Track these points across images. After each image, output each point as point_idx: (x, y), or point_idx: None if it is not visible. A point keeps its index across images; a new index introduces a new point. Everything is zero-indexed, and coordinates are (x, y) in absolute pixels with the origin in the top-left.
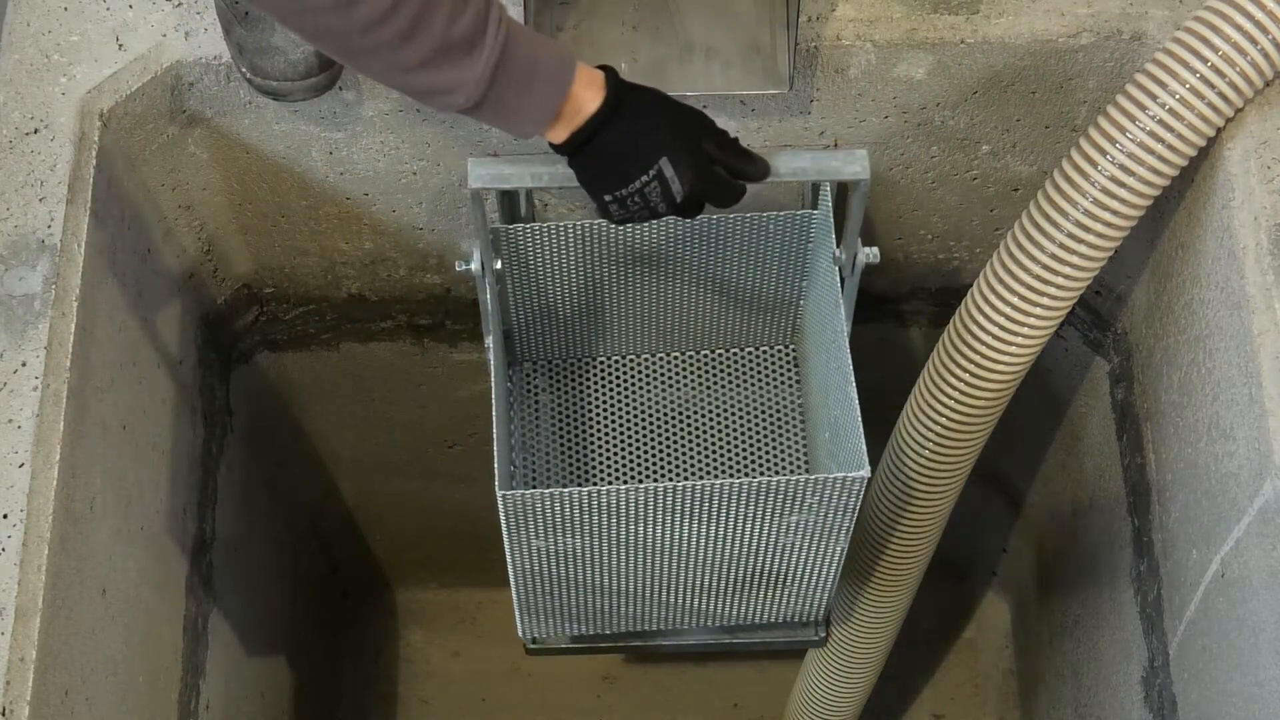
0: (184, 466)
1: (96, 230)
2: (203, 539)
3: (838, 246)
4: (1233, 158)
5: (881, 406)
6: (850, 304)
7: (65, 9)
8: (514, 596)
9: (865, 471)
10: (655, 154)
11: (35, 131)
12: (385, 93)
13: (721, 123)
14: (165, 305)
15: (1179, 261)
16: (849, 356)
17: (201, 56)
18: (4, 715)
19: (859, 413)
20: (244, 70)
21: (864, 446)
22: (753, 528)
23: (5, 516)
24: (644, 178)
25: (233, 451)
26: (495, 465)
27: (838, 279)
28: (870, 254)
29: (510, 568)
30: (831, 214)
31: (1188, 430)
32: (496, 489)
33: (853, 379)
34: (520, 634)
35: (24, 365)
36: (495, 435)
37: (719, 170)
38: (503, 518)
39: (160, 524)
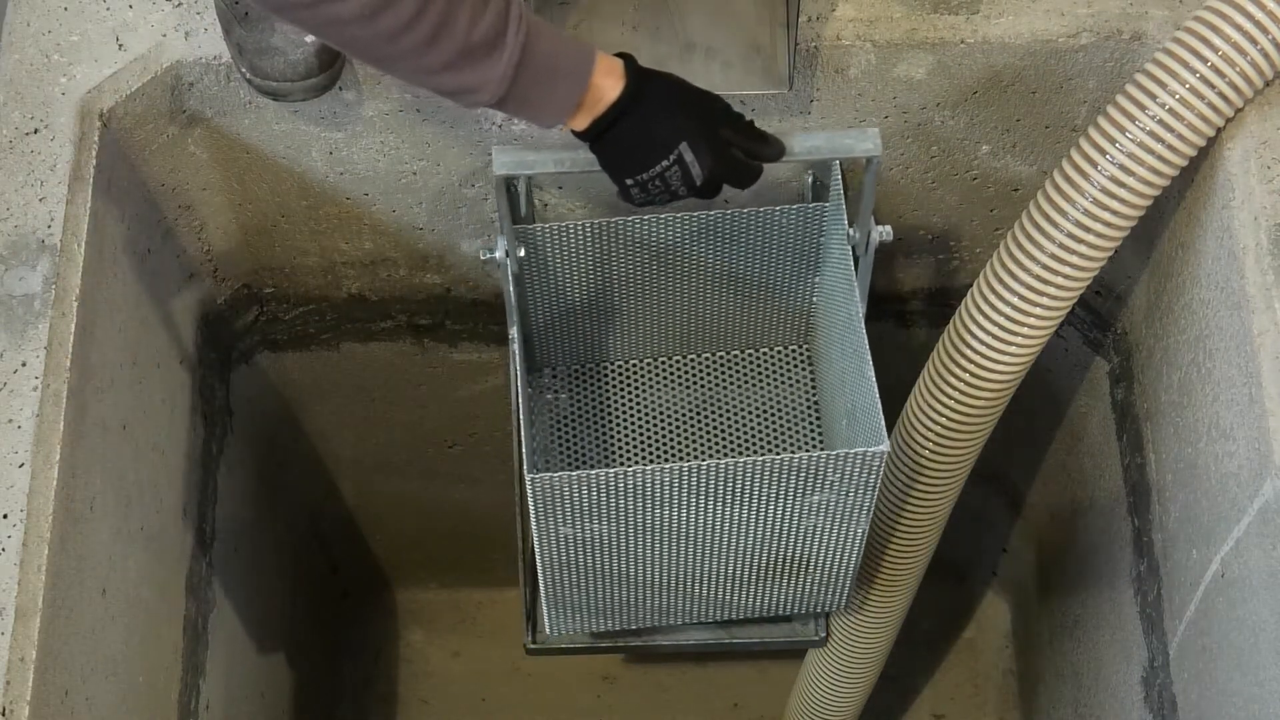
0: (184, 466)
1: (96, 230)
2: (203, 539)
3: (851, 227)
4: (1233, 158)
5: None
6: (865, 285)
7: (65, 9)
8: (543, 591)
9: (885, 446)
10: (675, 139)
11: (35, 131)
12: (385, 93)
13: None
14: (165, 305)
15: (1179, 261)
16: (865, 338)
17: (201, 56)
18: (4, 715)
19: (876, 390)
20: (244, 70)
21: (883, 423)
22: (777, 509)
23: (5, 516)
24: (664, 162)
25: (233, 451)
26: (524, 451)
27: (851, 263)
28: (884, 232)
29: (539, 559)
30: (843, 196)
31: (1188, 430)
32: (525, 473)
33: (869, 359)
34: (548, 630)
35: (24, 365)
36: (520, 423)
37: (736, 153)
38: (531, 502)
39: (160, 524)
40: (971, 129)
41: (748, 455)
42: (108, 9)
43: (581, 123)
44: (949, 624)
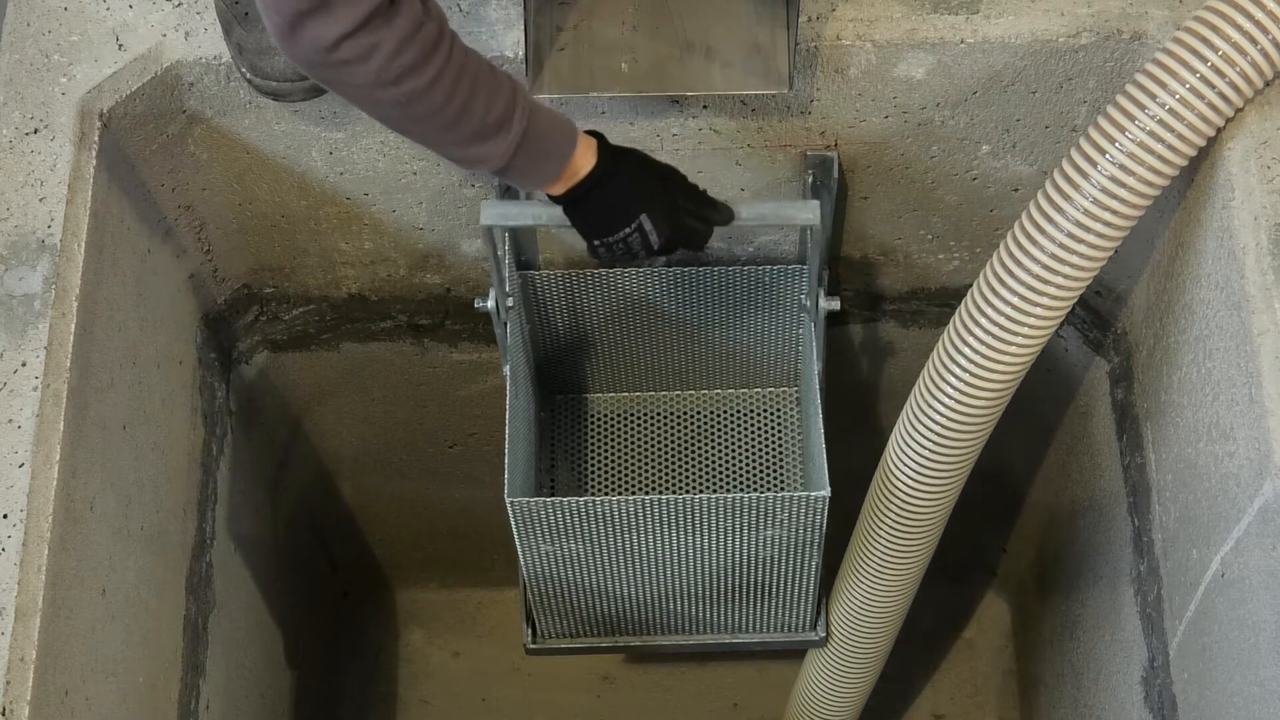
0: (184, 466)
1: (96, 230)
2: (202, 539)
3: (806, 296)
4: (1233, 158)
5: (882, 407)
6: (820, 345)
7: (65, 9)
8: (528, 596)
9: (825, 492)
10: (636, 211)
11: (35, 131)
12: None
13: (721, 123)
14: (165, 305)
15: (1179, 261)
16: (818, 393)
17: (201, 56)
18: (4, 715)
19: (823, 440)
20: (244, 70)
21: (826, 470)
22: (733, 540)
23: (5, 516)
24: (626, 230)
25: (232, 451)
26: (506, 476)
27: (812, 324)
28: (832, 303)
29: (522, 569)
30: (816, 267)
31: (1188, 430)
32: (506, 496)
33: (820, 411)
34: (534, 630)
35: (24, 365)
36: (508, 449)
37: (690, 221)
38: (512, 522)
39: (160, 524)
40: (971, 129)
41: (735, 486)
42: (108, 9)
43: (558, 190)
44: (949, 624)
